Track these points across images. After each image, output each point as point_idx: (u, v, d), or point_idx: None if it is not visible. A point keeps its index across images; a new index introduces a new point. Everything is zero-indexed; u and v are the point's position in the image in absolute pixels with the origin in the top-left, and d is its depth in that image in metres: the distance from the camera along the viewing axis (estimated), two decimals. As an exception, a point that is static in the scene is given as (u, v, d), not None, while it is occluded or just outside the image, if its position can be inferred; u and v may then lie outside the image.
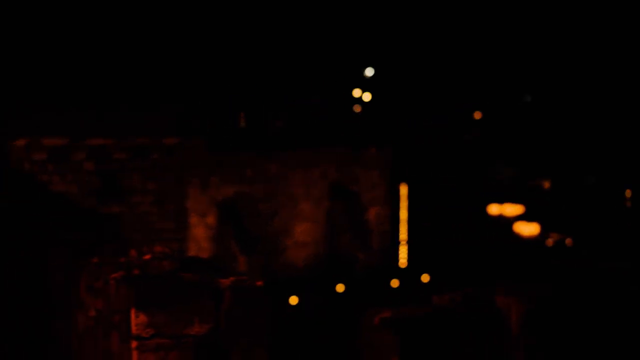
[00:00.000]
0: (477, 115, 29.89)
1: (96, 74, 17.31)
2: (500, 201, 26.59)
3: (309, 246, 20.01)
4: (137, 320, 5.14)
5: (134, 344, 5.16)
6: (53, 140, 16.47)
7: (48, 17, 17.42)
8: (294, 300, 18.32)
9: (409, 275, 21.16)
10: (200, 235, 18.59)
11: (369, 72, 26.46)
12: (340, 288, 19.66)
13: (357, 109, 25.56)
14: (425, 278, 20.94)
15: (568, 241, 24.38)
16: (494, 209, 26.48)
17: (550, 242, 24.62)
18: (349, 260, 20.30)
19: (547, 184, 28.24)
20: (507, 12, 28.59)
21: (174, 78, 18.46)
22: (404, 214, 22.42)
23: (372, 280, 20.07)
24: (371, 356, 5.44)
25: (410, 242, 22.18)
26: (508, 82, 29.44)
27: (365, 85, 26.11)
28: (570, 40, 28.25)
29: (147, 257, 6.00)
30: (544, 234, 24.94)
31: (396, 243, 21.85)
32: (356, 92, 25.58)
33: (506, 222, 25.76)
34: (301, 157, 20.15)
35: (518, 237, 25.10)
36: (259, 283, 5.40)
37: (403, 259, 21.86)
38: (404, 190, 22.64)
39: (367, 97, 25.97)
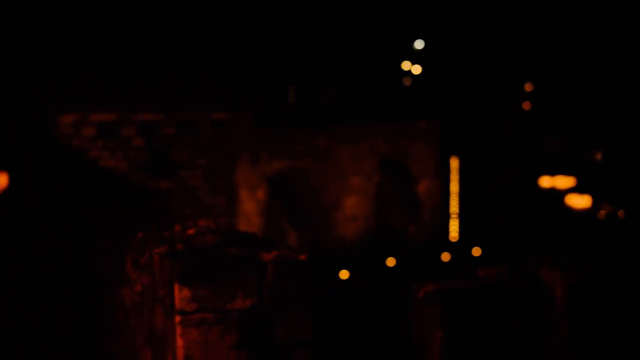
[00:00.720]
0: (528, 87, 29.61)
1: (144, 48, 17.34)
2: (552, 173, 26.37)
3: (359, 220, 19.99)
4: (180, 294, 5.15)
5: (177, 318, 5.17)
6: (102, 116, 16.51)
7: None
8: (344, 274, 18.33)
9: (460, 249, 21.10)
10: (250, 210, 18.63)
11: (419, 44, 26.29)
12: (390, 262, 19.64)
13: (406, 81, 25.42)
14: (476, 252, 20.87)
15: (620, 214, 24.13)
16: (545, 182, 26.27)
17: (602, 214, 24.39)
18: (400, 234, 20.27)
19: (599, 156, 27.94)
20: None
21: (222, 52, 18.46)
22: (454, 187, 22.31)
23: (422, 254, 20.04)
24: (418, 330, 5.44)
25: (461, 216, 22.08)
26: (559, 53, 29.13)
27: (415, 57, 25.95)
28: (620, 11, 27.86)
29: (191, 231, 6.02)
30: (595, 206, 24.71)
31: (447, 216, 21.76)
32: (405, 65, 25.44)
33: (558, 195, 25.56)
34: (351, 130, 20.10)
35: (570, 210, 24.90)
36: (303, 257, 5.36)
37: (454, 233, 21.78)
38: (454, 163, 22.52)
39: (416, 69, 25.81)
